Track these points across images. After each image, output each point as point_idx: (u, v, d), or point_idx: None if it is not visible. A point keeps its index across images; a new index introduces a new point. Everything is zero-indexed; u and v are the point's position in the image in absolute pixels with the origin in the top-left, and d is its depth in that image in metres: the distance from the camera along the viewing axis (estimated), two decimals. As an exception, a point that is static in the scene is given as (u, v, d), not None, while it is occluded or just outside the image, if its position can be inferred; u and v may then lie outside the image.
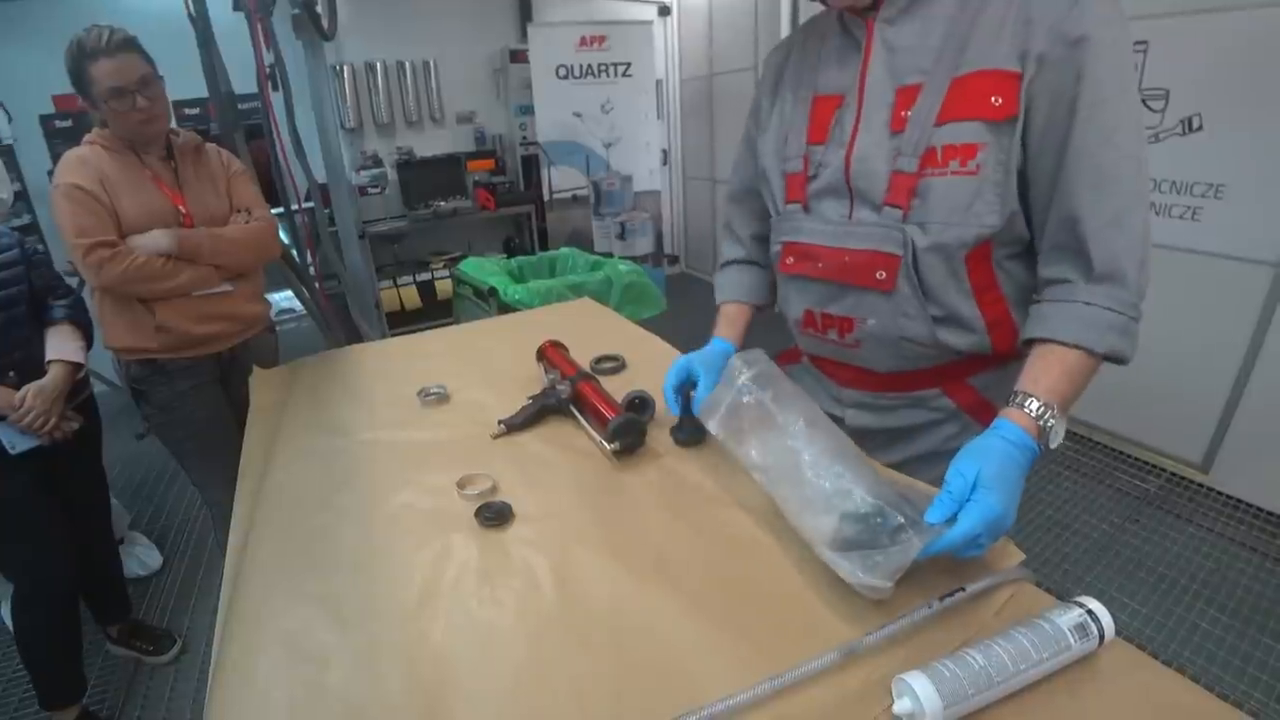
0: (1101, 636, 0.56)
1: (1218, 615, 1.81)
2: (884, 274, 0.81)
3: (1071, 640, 0.55)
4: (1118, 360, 0.73)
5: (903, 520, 0.61)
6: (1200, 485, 2.33)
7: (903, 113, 0.77)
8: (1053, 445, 0.69)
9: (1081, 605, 0.58)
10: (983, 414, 0.87)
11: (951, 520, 0.62)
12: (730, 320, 1.07)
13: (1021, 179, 0.75)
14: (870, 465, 0.73)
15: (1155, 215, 2.29)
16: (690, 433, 0.97)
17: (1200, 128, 2.15)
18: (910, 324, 0.83)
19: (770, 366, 0.82)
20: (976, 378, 0.89)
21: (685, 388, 0.96)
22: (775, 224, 0.96)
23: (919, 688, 0.50)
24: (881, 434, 0.96)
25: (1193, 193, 2.21)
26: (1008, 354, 0.86)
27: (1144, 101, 2.26)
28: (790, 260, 0.93)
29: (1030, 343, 0.75)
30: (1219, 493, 2.29)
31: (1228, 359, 2.20)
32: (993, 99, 0.71)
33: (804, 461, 0.69)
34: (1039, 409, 0.68)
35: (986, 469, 0.64)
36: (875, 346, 0.88)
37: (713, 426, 0.81)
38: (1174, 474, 2.40)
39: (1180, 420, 2.38)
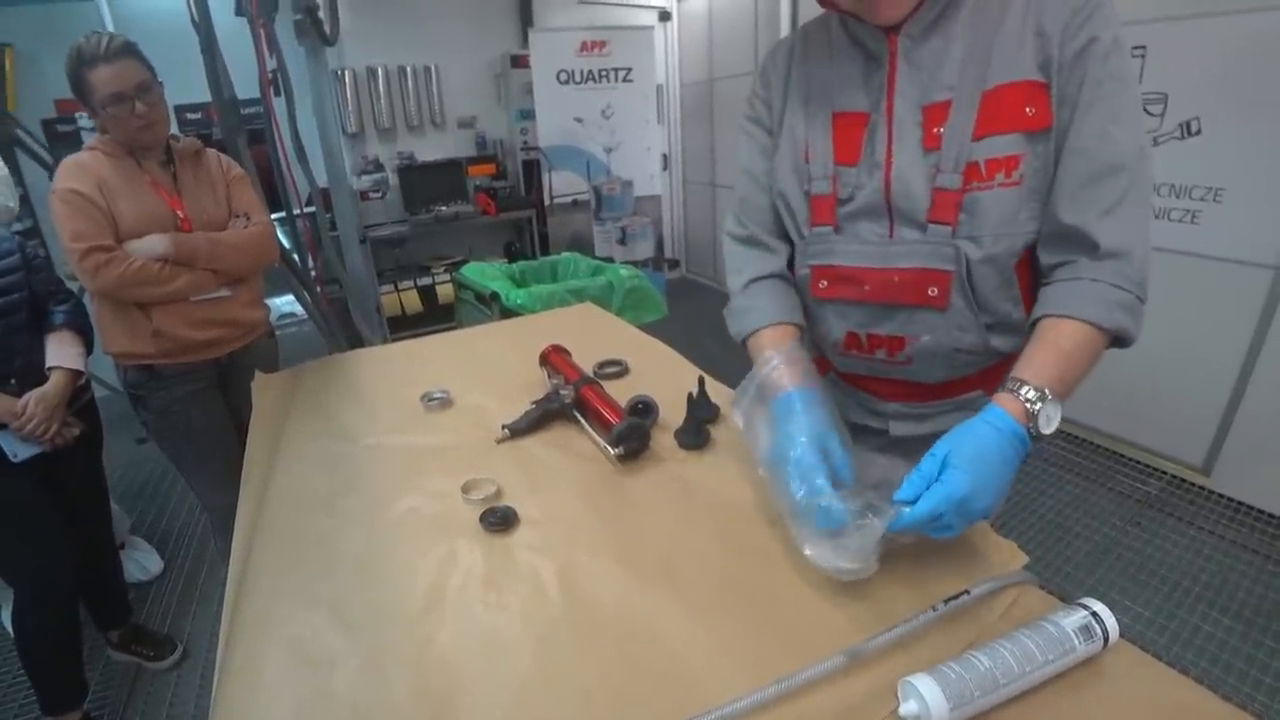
0: (1106, 638, 0.57)
1: (1220, 618, 1.81)
2: (936, 290, 0.80)
3: (1076, 642, 0.55)
4: (1123, 340, 0.73)
5: (864, 503, 0.64)
6: (1201, 488, 2.33)
7: (935, 130, 0.77)
8: (1045, 430, 0.67)
9: (1086, 607, 0.58)
10: None
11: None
12: (789, 363, 0.83)
13: None
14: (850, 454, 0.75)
15: (1154, 219, 2.30)
16: (694, 436, 0.98)
17: (1199, 131, 2.16)
18: (965, 335, 0.83)
19: (809, 365, 0.82)
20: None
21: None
22: (801, 247, 0.91)
23: (925, 690, 0.50)
24: (927, 440, 0.90)
25: (1192, 196, 2.21)
26: None
27: (1143, 106, 2.27)
28: (824, 284, 0.89)
29: (1035, 323, 0.75)
30: (1220, 495, 2.29)
31: (1228, 361, 2.20)
32: (1027, 109, 0.72)
33: (790, 461, 0.71)
34: (1028, 392, 0.68)
35: (959, 450, 0.65)
36: (928, 360, 0.87)
37: (736, 414, 0.82)
38: (1175, 476, 2.41)
39: (1181, 423, 2.38)
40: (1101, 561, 2.06)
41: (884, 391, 0.96)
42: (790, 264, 0.96)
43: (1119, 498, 2.36)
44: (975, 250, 0.78)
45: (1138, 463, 2.51)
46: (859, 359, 0.93)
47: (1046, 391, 0.67)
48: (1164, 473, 2.43)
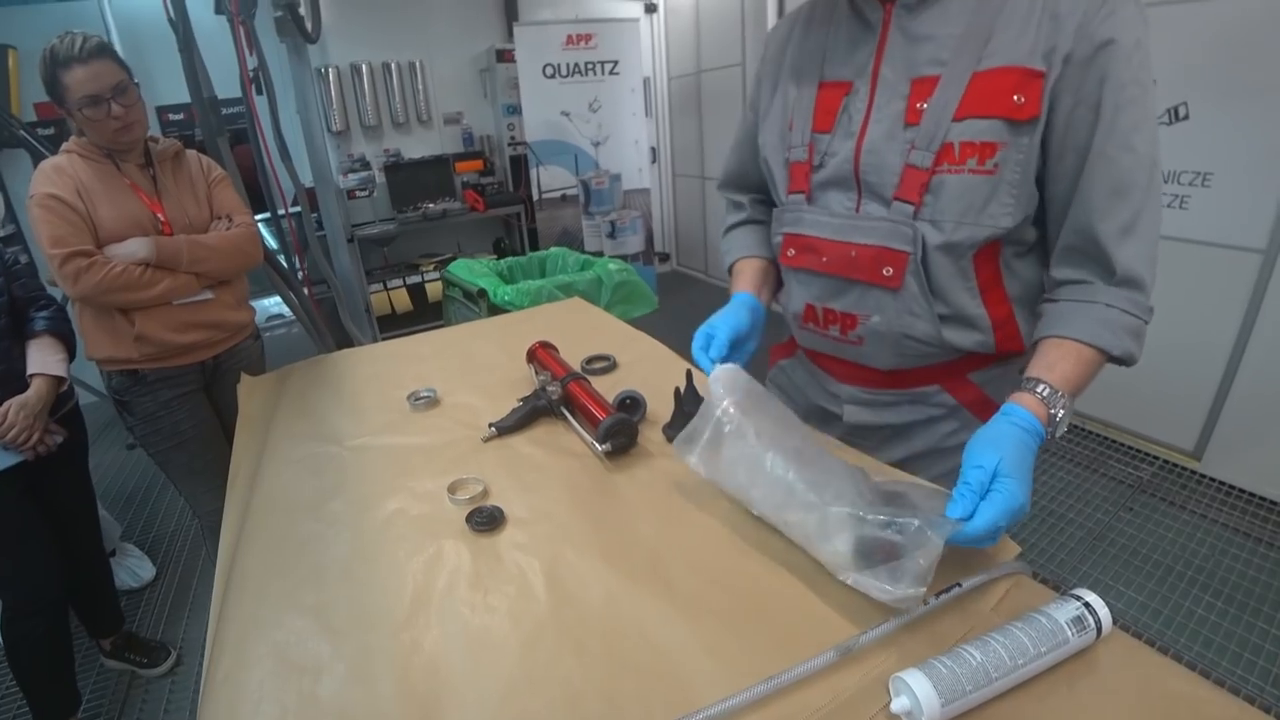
0: (1099, 629, 0.56)
1: (1213, 601, 1.82)
2: (891, 271, 0.79)
3: (1069, 634, 0.55)
4: (1127, 363, 0.73)
5: (918, 522, 0.59)
6: (1193, 472, 2.35)
7: (918, 105, 0.74)
8: (1057, 435, 0.68)
9: (1078, 598, 0.57)
10: (983, 410, 0.86)
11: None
12: (745, 274, 1.00)
13: (1039, 179, 0.74)
14: (863, 471, 0.71)
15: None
16: (682, 431, 0.97)
17: (1187, 116, 2.16)
18: (916, 322, 0.81)
19: (752, 385, 0.77)
20: (978, 374, 0.87)
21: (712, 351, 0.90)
22: (777, 214, 0.93)
23: (916, 686, 0.49)
24: (880, 431, 0.95)
25: (1180, 181, 2.22)
26: (1010, 351, 0.85)
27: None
28: (792, 253, 0.90)
29: (1044, 339, 0.74)
30: (1211, 479, 2.30)
31: (1218, 346, 2.21)
32: (1015, 97, 0.69)
33: (800, 488, 0.66)
34: (1050, 394, 0.67)
35: (1007, 457, 0.62)
36: (878, 344, 0.86)
37: (693, 462, 0.75)
38: (1166, 461, 2.42)
39: (1172, 408, 2.39)
40: (1094, 548, 2.07)
41: (839, 373, 0.96)
42: (763, 218, 1.04)
43: (1111, 484, 2.37)
44: (934, 234, 0.76)
45: (1129, 448, 2.52)
46: (815, 334, 0.93)
47: (1065, 395, 0.68)
48: (1155, 458, 2.45)
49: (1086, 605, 0.57)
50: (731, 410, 0.74)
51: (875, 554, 0.59)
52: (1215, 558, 1.98)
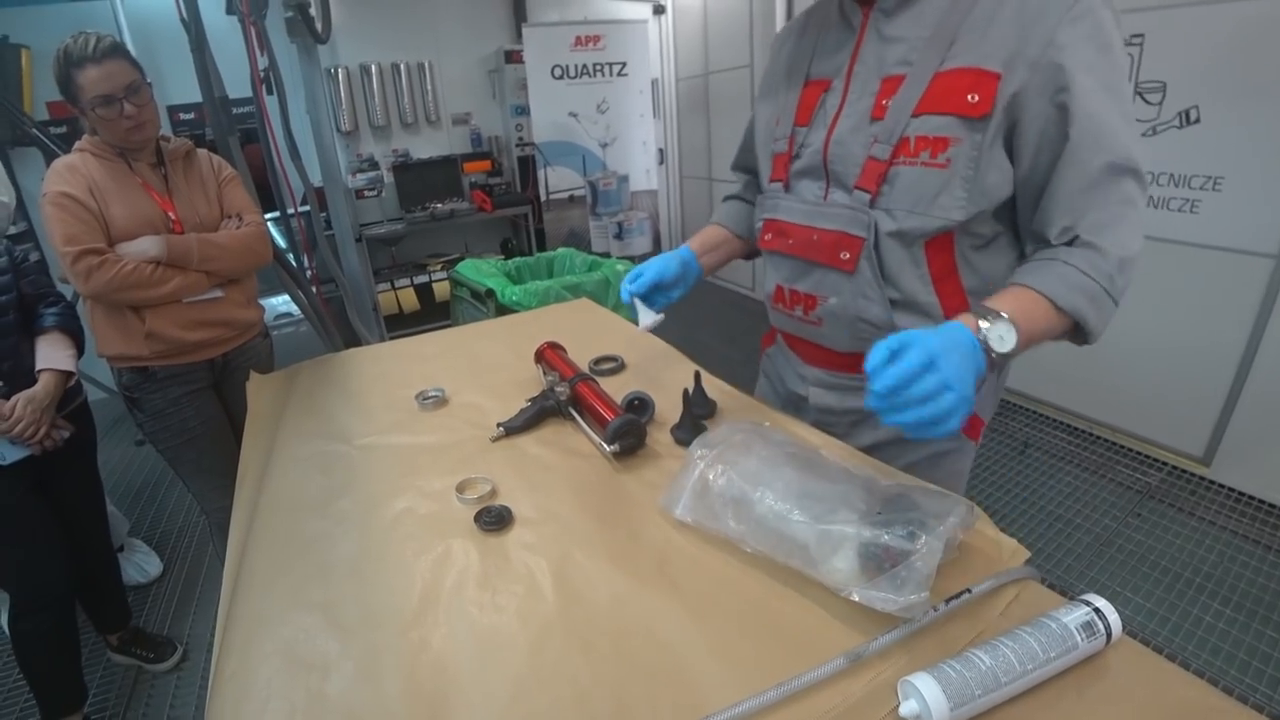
0: (1109, 635, 0.56)
1: (1221, 609, 1.81)
2: (847, 254, 0.84)
3: (1079, 639, 0.54)
4: (1082, 329, 0.73)
5: (911, 527, 0.59)
6: (1202, 479, 2.33)
7: (884, 101, 0.79)
8: (999, 349, 0.66)
9: (1088, 604, 0.57)
10: None
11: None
12: (699, 235, 1.13)
13: (1017, 179, 0.77)
14: (869, 476, 0.72)
15: (1154, 209, 2.30)
16: (691, 433, 0.97)
17: (1198, 120, 2.15)
18: (869, 305, 0.86)
19: (730, 434, 0.79)
20: None
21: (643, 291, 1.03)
22: (759, 201, 1.01)
23: (925, 690, 0.49)
24: (845, 415, 0.99)
25: (1191, 185, 2.20)
26: None
27: (1141, 95, 2.26)
28: (769, 236, 0.97)
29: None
30: (1221, 486, 2.28)
31: (1228, 351, 2.19)
32: (969, 96, 0.73)
33: (793, 517, 0.66)
34: (983, 310, 0.67)
35: (906, 334, 0.62)
36: (835, 325, 0.90)
37: (680, 513, 0.76)
38: (1175, 467, 2.40)
39: (1181, 413, 2.38)
40: (1102, 553, 2.06)
41: (806, 354, 1.01)
42: (751, 198, 1.14)
43: (1119, 489, 2.35)
44: (887, 222, 0.81)
45: (1138, 454, 2.51)
46: (784, 314, 0.99)
47: (1002, 312, 0.67)
48: (1164, 463, 2.43)
49: (1096, 611, 0.56)
50: (711, 464, 0.75)
51: (882, 561, 0.59)
52: (1224, 565, 1.96)
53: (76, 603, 1.66)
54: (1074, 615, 0.56)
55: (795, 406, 1.06)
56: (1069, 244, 0.74)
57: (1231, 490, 2.25)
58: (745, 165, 1.16)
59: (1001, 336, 0.67)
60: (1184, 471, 2.38)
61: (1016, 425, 2.80)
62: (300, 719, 0.58)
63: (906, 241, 0.81)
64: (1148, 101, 2.25)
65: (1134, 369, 2.48)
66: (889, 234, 0.81)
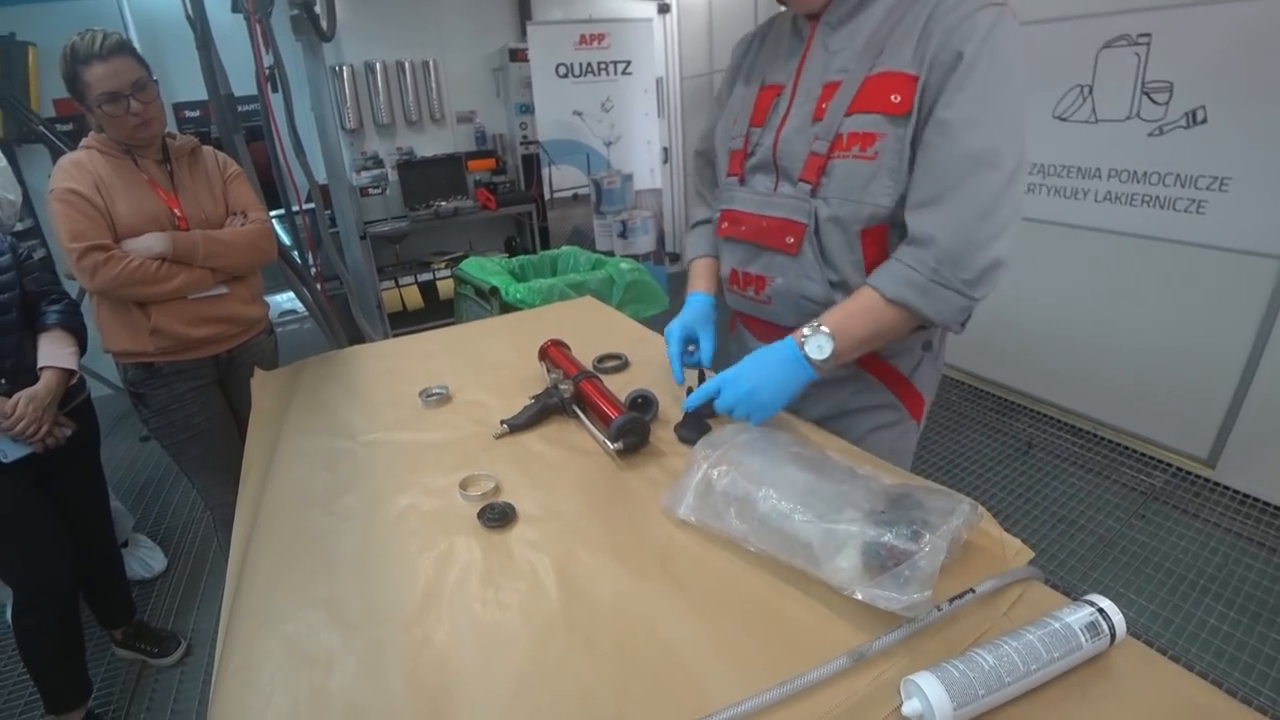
0: (1113, 635, 0.56)
1: (1225, 611, 1.80)
2: (791, 239, 0.96)
3: (1083, 639, 0.54)
4: (917, 315, 0.84)
5: (915, 526, 0.59)
6: (1206, 480, 2.32)
7: (824, 104, 0.90)
8: (814, 355, 0.84)
9: (1092, 604, 0.57)
10: (884, 376, 1.02)
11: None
12: (703, 274, 1.17)
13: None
14: (872, 476, 0.72)
15: (1160, 210, 2.29)
16: (694, 430, 0.97)
17: (1204, 120, 2.14)
18: (810, 284, 0.96)
19: (735, 435, 0.82)
20: None
21: (687, 343, 1.09)
22: (717, 194, 1.12)
23: (928, 689, 0.49)
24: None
25: (1197, 186, 2.19)
26: None
27: (1148, 95, 2.25)
28: (725, 225, 1.08)
29: None
30: (1226, 488, 2.27)
31: (1234, 352, 2.18)
32: (893, 96, 0.83)
33: (795, 518, 0.67)
34: (812, 326, 0.85)
35: (739, 368, 0.89)
36: (782, 302, 1.01)
37: (683, 512, 0.77)
38: (1180, 469, 2.39)
39: (1186, 415, 2.37)
40: (1106, 555, 2.05)
41: (758, 332, 1.11)
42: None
43: (1124, 490, 2.35)
44: (825, 209, 0.92)
45: (1142, 455, 2.50)
46: (739, 295, 1.09)
47: (821, 327, 0.84)
48: (1169, 465, 2.42)
49: (1100, 611, 0.56)
50: (716, 465, 0.77)
51: (885, 560, 0.59)
52: (1228, 567, 1.95)
53: (81, 598, 1.67)
54: (1078, 615, 0.56)
55: None
56: (904, 243, 0.85)
57: (1236, 492, 2.24)
58: (708, 158, 1.22)
59: (820, 346, 0.84)
60: (1188, 473, 2.37)
61: (1020, 425, 2.80)
62: (304, 713, 0.58)
63: (844, 228, 0.91)
64: (1154, 102, 2.24)
65: (1139, 369, 2.47)
66: (827, 220, 0.92)
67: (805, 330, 0.85)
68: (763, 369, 0.86)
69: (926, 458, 2.64)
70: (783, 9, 1.01)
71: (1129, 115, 2.33)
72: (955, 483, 2.48)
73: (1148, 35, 2.21)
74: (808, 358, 0.84)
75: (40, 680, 1.58)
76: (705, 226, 1.20)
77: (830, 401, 1.05)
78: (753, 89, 1.03)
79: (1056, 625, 0.55)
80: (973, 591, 0.61)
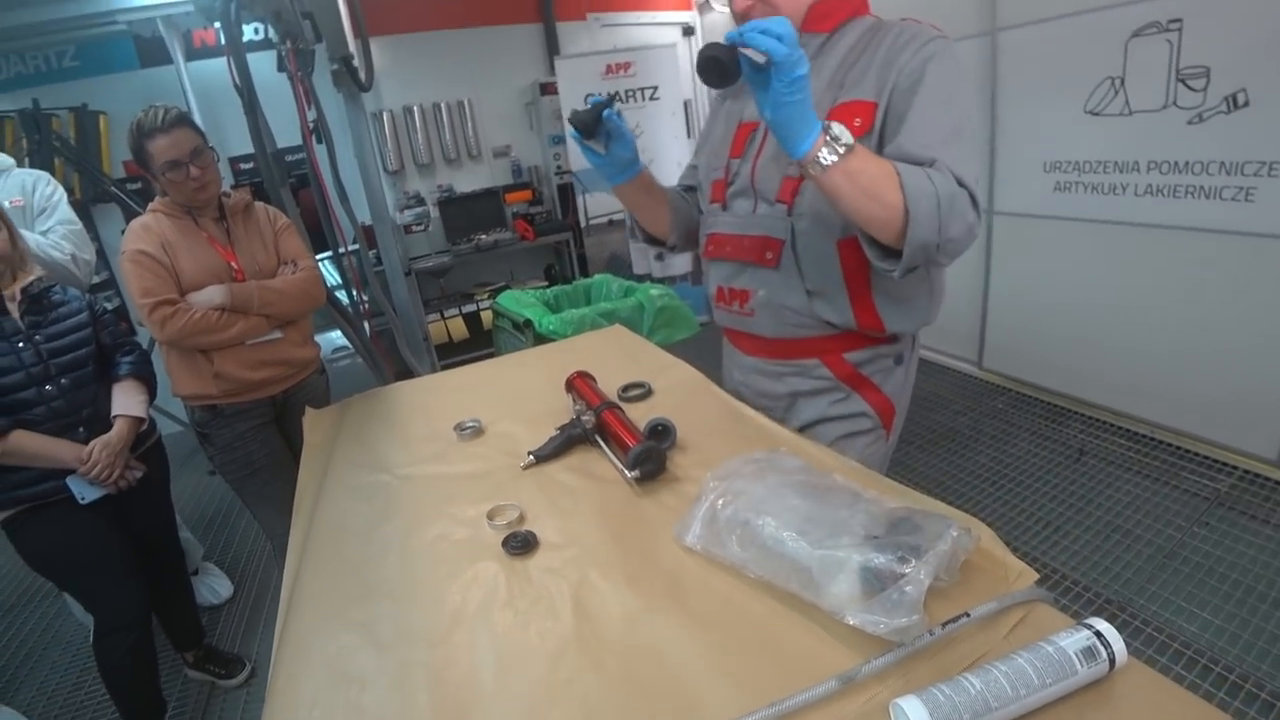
0: (1112, 661, 0.54)
1: (1300, 625, 1.70)
2: (770, 254, 1.06)
3: (1078, 665, 0.53)
4: (907, 215, 0.85)
5: (902, 551, 0.61)
6: (1276, 482, 2.19)
7: None
8: (837, 134, 0.83)
9: (1090, 627, 0.56)
10: (858, 386, 1.12)
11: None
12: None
13: None
14: (873, 499, 0.74)
15: (1205, 200, 2.20)
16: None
17: (1247, 104, 2.05)
18: (790, 295, 1.07)
19: (743, 465, 0.84)
20: (850, 354, 1.12)
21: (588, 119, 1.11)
22: (702, 221, 1.24)
23: (912, 713, 0.51)
24: (778, 400, 1.19)
25: (1244, 172, 2.10)
26: (871, 331, 1.08)
27: (1183, 82, 2.17)
28: (710, 247, 1.18)
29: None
30: (1297, 492, 2.14)
31: (1297, 347, 2.07)
32: (855, 120, 0.95)
33: (791, 545, 0.69)
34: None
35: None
36: (765, 313, 1.11)
37: (690, 540, 0.80)
38: (1246, 471, 2.27)
39: (1250, 413, 2.24)
40: (1165, 566, 1.96)
41: (744, 346, 1.22)
42: (682, 203, 1.33)
43: (1185, 497, 2.24)
44: (800, 224, 1.03)
45: (1204, 458, 2.38)
46: (724, 311, 1.19)
47: (849, 135, 0.84)
48: (1235, 468, 2.29)
49: (1098, 635, 0.55)
50: (721, 493, 0.80)
51: (877, 584, 0.61)
52: (1303, 577, 1.84)
53: (155, 623, 1.79)
54: (1073, 640, 0.55)
55: (738, 396, 1.22)
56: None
57: (1311, 496, 2.12)
58: (687, 184, 1.36)
59: (839, 135, 0.83)
60: (1256, 475, 2.24)
61: (1070, 432, 2.70)
62: (340, 730, 0.64)
63: (820, 240, 1.02)
64: (1191, 88, 2.16)
65: (1197, 368, 2.36)
66: (802, 233, 1.03)
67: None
68: (789, 75, 0.79)
69: (971, 469, 2.58)
70: None
71: (1165, 104, 2.25)
72: (1002, 493, 2.41)
73: (1179, 20, 2.14)
74: (825, 128, 0.83)
75: (119, 699, 1.70)
76: (674, 188, 1.35)
77: (813, 408, 1.16)
78: (733, 125, 1.15)
79: (1050, 650, 0.54)
80: (967, 615, 0.62)
